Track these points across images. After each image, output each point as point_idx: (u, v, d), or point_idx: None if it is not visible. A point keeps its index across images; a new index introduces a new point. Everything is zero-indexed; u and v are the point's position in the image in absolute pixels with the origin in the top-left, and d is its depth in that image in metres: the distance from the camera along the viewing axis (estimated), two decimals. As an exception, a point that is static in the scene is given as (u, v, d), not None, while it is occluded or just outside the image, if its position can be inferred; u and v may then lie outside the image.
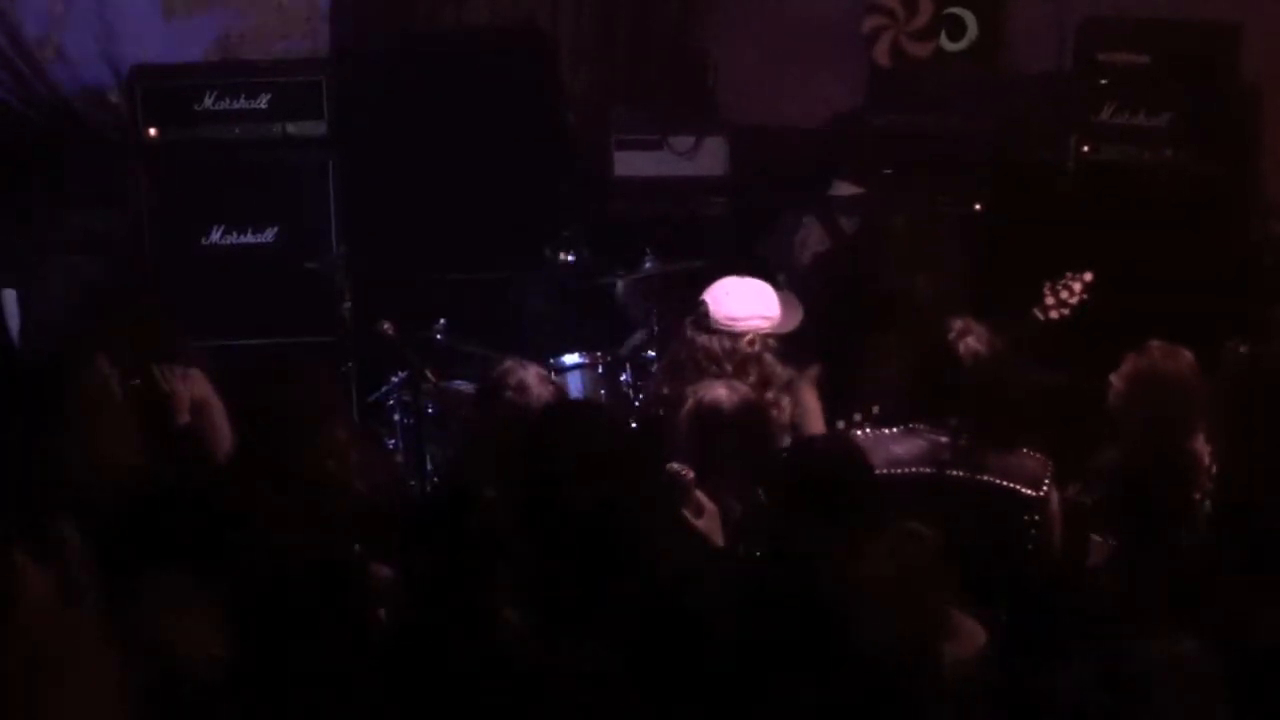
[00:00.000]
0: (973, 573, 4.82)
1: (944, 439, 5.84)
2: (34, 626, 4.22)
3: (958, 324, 6.00)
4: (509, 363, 6.24)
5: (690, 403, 5.86)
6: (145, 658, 4.33)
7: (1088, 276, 6.78)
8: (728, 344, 6.36)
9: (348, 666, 4.58)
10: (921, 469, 5.79)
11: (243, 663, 4.48)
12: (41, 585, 4.32)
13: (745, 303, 6.43)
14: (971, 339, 5.92)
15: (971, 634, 4.79)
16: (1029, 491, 5.69)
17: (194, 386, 6.07)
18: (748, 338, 6.36)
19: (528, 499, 5.02)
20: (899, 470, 5.76)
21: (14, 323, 8.45)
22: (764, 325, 6.42)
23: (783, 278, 8.74)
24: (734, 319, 6.39)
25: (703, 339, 6.39)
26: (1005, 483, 5.73)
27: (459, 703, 4.39)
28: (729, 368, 6.29)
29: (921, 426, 5.91)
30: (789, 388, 6.42)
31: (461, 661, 4.45)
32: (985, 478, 5.73)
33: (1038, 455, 5.80)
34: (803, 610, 4.57)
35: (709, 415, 5.77)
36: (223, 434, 6.03)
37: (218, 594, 4.54)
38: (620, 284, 8.58)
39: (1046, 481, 5.72)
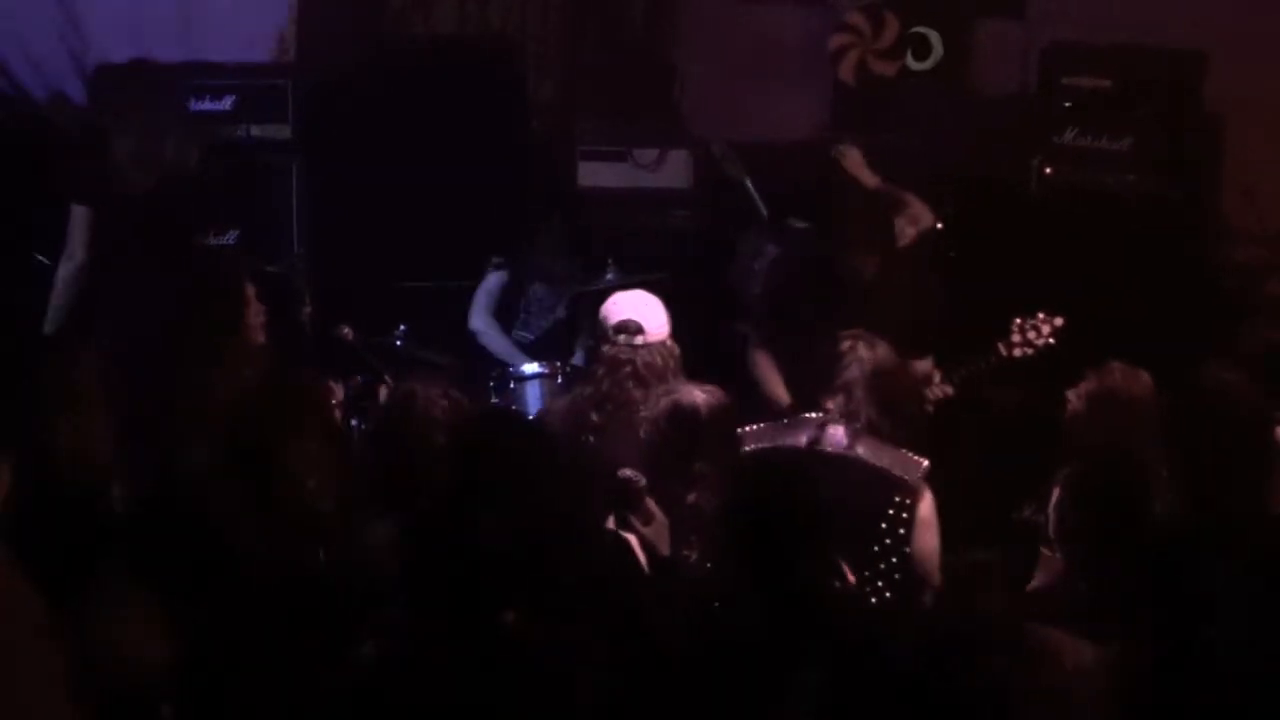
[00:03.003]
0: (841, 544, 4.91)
1: (819, 419, 5.90)
2: None
3: (850, 334, 6.08)
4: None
5: (666, 403, 5.84)
6: (89, 657, 4.31)
7: (1059, 321, 6.79)
8: (665, 353, 6.30)
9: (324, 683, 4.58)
10: (795, 444, 5.85)
11: (188, 670, 4.47)
12: None
13: (660, 310, 6.41)
14: (862, 345, 5.99)
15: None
16: (899, 474, 5.73)
17: None
18: (669, 343, 6.36)
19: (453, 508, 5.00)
20: (765, 445, 5.88)
21: None
22: (668, 329, 6.43)
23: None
24: (661, 327, 6.36)
25: (643, 355, 6.31)
26: (874, 463, 5.77)
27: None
28: (670, 377, 6.25)
29: (811, 416, 5.98)
30: None
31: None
32: (853, 455, 5.77)
33: (917, 457, 5.83)
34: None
35: (688, 417, 5.74)
36: None
37: (175, 603, 4.52)
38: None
39: (919, 476, 5.76)
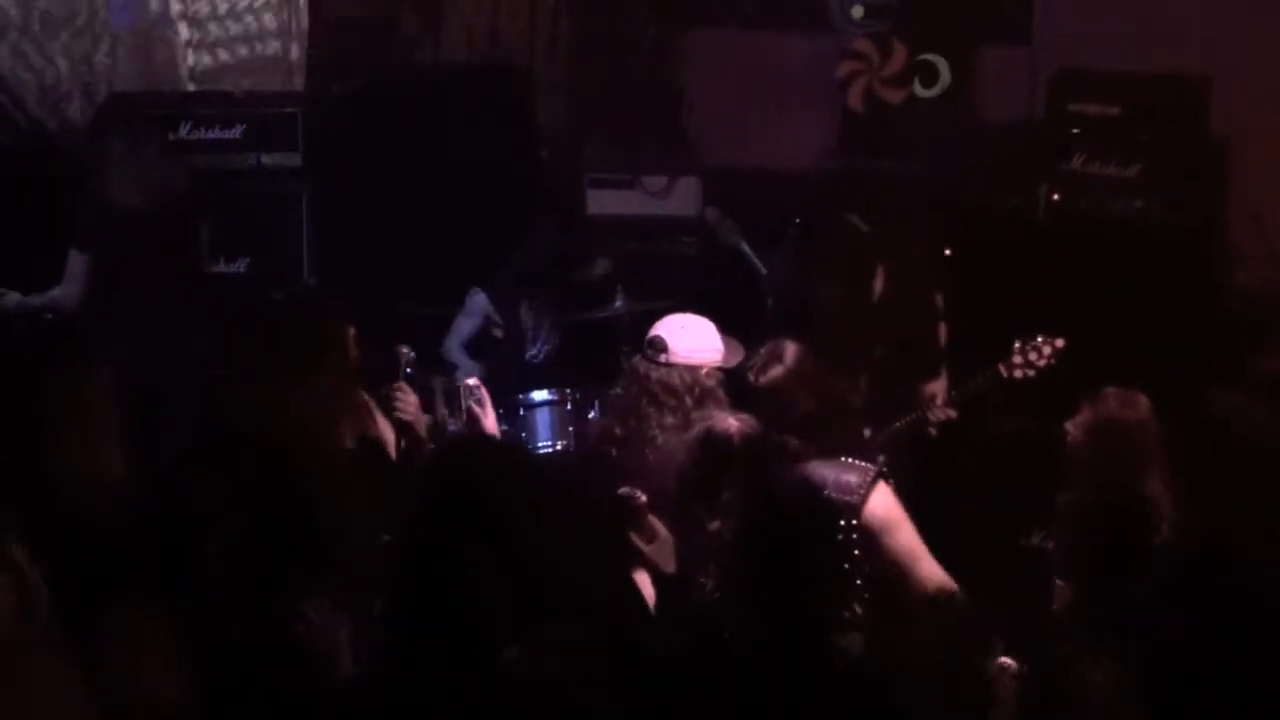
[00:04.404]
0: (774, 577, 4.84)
1: None
2: None
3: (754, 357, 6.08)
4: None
5: (700, 429, 5.79)
6: (101, 690, 4.31)
7: (1059, 342, 6.78)
8: (688, 378, 6.28)
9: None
10: None
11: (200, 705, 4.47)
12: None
13: (701, 337, 6.37)
14: (754, 370, 5.98)
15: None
16: (845, 497, 5.58)
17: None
18: (705, 371, 6.32)
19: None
20: None
21: None
22: (716, 359, 6.35)
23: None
24: (693, 351, 6.35)
25: (660, 373, 6.32)
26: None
27: None
28: (689, 401, 6.23)
29: None
30: None
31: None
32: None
33: (861, 464, 5.71)
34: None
35: (720, 444, 5.62)
36: None
37: (179, 632, 4.52)
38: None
39: (864, 487, 5.61)
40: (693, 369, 6.23)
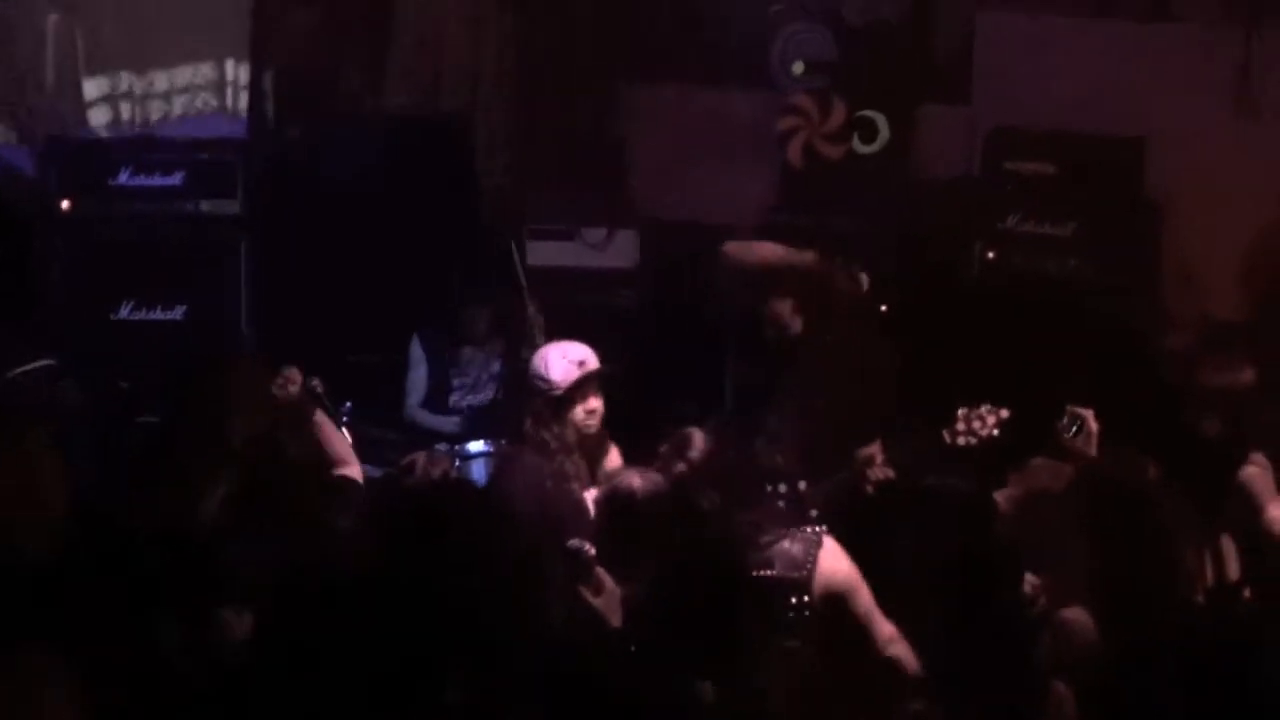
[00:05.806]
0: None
1: None
2: None
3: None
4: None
5: (605, 489, 5.81)
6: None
7: (1004, 413, 6.78)
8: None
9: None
10: None
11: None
12: None
13: (538, 363, 6.82)
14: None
15: None
16: (791, 574, 5.60)
17: None
18: (532, 390, 6.77)
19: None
20: None
21: None
22: (539, 385, 6.77)
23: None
24: (531, 377, 6.84)
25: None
26: (764, 573, 5.61)
27: None
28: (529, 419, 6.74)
29: None
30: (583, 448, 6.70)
31: None
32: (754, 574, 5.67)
33: (803, 531, 5.72)
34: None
35: (623, 505, 5.63)
36: None
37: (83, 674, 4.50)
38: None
39: (810, 559, 5.62)
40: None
